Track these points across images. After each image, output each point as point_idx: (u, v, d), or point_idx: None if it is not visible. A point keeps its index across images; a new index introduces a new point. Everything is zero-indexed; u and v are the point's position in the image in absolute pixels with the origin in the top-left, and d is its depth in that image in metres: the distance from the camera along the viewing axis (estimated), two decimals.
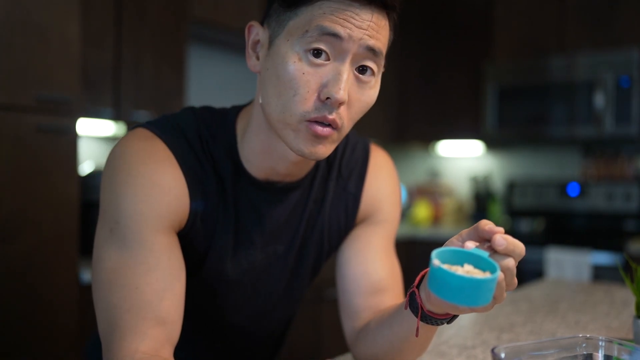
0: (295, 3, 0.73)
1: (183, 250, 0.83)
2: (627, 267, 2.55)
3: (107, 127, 2.40)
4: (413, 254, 3.21)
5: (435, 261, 0.59)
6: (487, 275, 0.59)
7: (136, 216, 0.76)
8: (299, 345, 2.70)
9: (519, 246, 0.63)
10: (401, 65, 3.73)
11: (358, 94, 0.75)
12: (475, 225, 0.65)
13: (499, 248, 0.62)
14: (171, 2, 2.37)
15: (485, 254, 0.61)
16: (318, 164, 0.93)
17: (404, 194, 3.94)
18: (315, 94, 0.72)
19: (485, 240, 0.64)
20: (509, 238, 0.62)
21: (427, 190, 3.85)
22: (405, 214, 3.92)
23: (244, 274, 0.91)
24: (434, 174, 3.96)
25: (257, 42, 0.80)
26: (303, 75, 0.72)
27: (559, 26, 3.17)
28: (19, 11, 1.68)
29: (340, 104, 0.72)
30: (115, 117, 2.21)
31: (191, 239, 0.84)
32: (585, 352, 0.72)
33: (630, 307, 1.41)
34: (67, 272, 1.81)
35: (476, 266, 0.61)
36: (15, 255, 1.68)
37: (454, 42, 3.56)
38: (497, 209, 3.53)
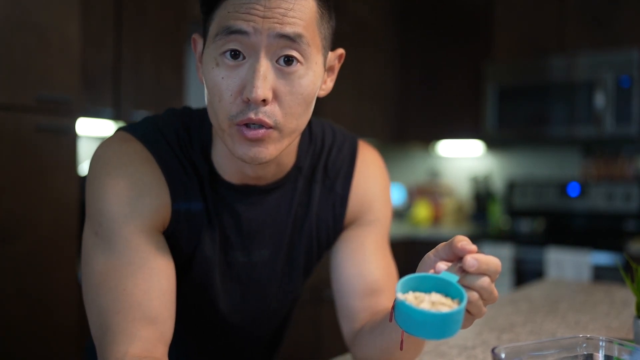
0: (209, 8, 0.74)
1: (171, 250, 0.83)
2: (627, 267, 2.55)
3: (107, 127, 2.40)
4: (413, 254, 3.20)
5: (400, 295, 0.57)
6: (454, 304, 0.57)
7: (119, 218, 0.76)
8: (299, 345, 2.70)
9: (492, 264, 0.60)
10: (401, 66, 3.73)
11: (286, 86, 0.72)
12: (450, 240, 0.62)
13: (470, 270, 0.59)
14: (171, 2, 2.37)
15: (454, 278, 0.59)
16: (299, 165, 0.91)
17: (403, 194, 3.94)
18: (239, 96, 0.72)
19: (459, 257, 0.61)
20: (481, 257, 0.59)
21: (427, 190, 3.85)
22: (405, 214, 3.92)
23: (231, 276, 0.90)
24: (434, 174, 3.96)
25: (201, 54, 0.81)
26: (223, 80, 0.72)
27: (559, 26, 3.17)
28: (19, 11, 1.68)
29: (264, 101, 0.71)
30: (115, 117, 2.21)
31: (177, 239, 0.84)
32: (585, 352, 0.72)
33: (630, 307, 1.41)
34: (66, 272, 1.81)
35: (445, 293, 0.59)
36: (15, 256, 1.68)
37: (454, 42, 3.56)
38: (497, 209, 3.53)
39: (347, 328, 0.95)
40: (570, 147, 3.46)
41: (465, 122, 3.51)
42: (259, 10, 0.69)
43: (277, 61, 0.72)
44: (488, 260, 0.60)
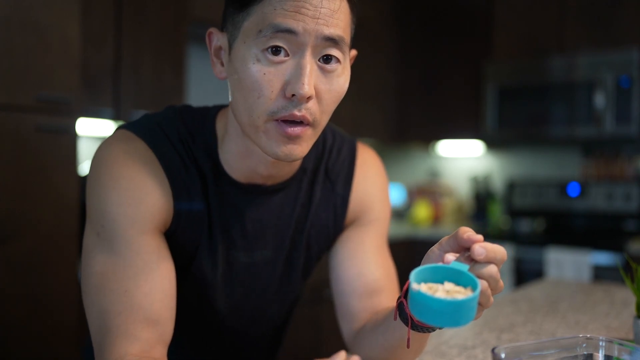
0: (246, 3, 0.72)
1: (171, 250, 0.83)
2: (627, 267, 2.55)
3: (107, 127, 2.40)
4: (413, 254, 3.20)
5: (414, 285, 0.57)
6: (468, 292, 0.58)
7: (121, 219, 0.76)
8: (299, 345, 2.70)
9: (499, 252, 0.61)
10: (401, 66, 3.73)
11: (326, 85, 0.73)
12: (454, 233, 0.63)
13: (479, 258, 0.60)
14: (171, 2, 2.37)
15: (464, 267, 0.60)
16: (305, 167, 0.91)
17: (403, 194, 3.94)
18: (280, 92, 0.71)
19: (465, 248, 0.62)
20: (488, 246, 0.61)
21: (427, 190, 3.84)
22: (405, 214, 3.92)
23: (232, 277, 0.90)
24: (434, 174, 3.96)
25: (219, 49, 0.80)
26: (264, 76, 0.70)
27: (559, 26, 3.17)
28: (19, 11, 1.68)
29: (308, 98, 0.71)
30: (115, 117, 2.21)
31: (178, 239, 0.84)
32: (585, 352, 0.72)
33: (630, 307, 1.41)
34: (66, 272, 1.81)
35: (457, 282, 0.60)
36: (15, 256, 1.68)
37: (454, 42, 3.56)
38: (497, 209, 3.53)
39: (346, 328, 0.95)
40: (570, 147, 3.46)
41: (465, 122, 3.51)
42: (308, 9, 0.69)
43: (318, 59, 0.72)
44: (495, 249, 0.61)
